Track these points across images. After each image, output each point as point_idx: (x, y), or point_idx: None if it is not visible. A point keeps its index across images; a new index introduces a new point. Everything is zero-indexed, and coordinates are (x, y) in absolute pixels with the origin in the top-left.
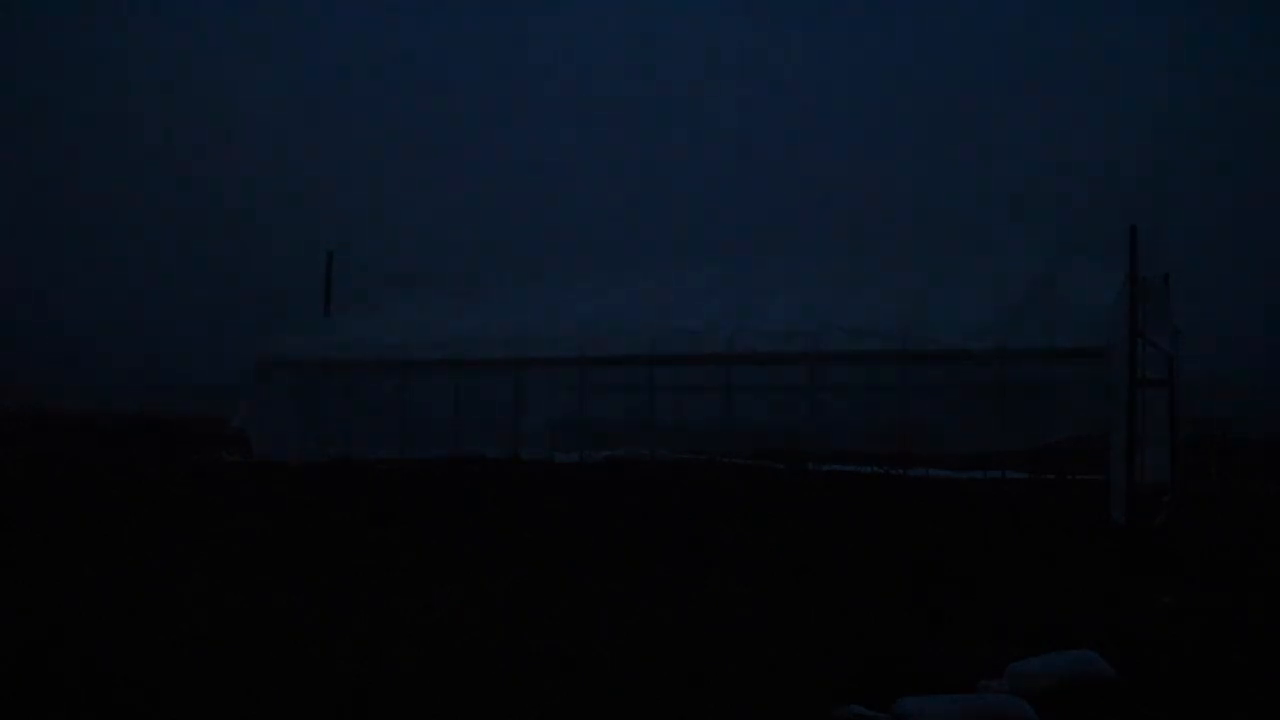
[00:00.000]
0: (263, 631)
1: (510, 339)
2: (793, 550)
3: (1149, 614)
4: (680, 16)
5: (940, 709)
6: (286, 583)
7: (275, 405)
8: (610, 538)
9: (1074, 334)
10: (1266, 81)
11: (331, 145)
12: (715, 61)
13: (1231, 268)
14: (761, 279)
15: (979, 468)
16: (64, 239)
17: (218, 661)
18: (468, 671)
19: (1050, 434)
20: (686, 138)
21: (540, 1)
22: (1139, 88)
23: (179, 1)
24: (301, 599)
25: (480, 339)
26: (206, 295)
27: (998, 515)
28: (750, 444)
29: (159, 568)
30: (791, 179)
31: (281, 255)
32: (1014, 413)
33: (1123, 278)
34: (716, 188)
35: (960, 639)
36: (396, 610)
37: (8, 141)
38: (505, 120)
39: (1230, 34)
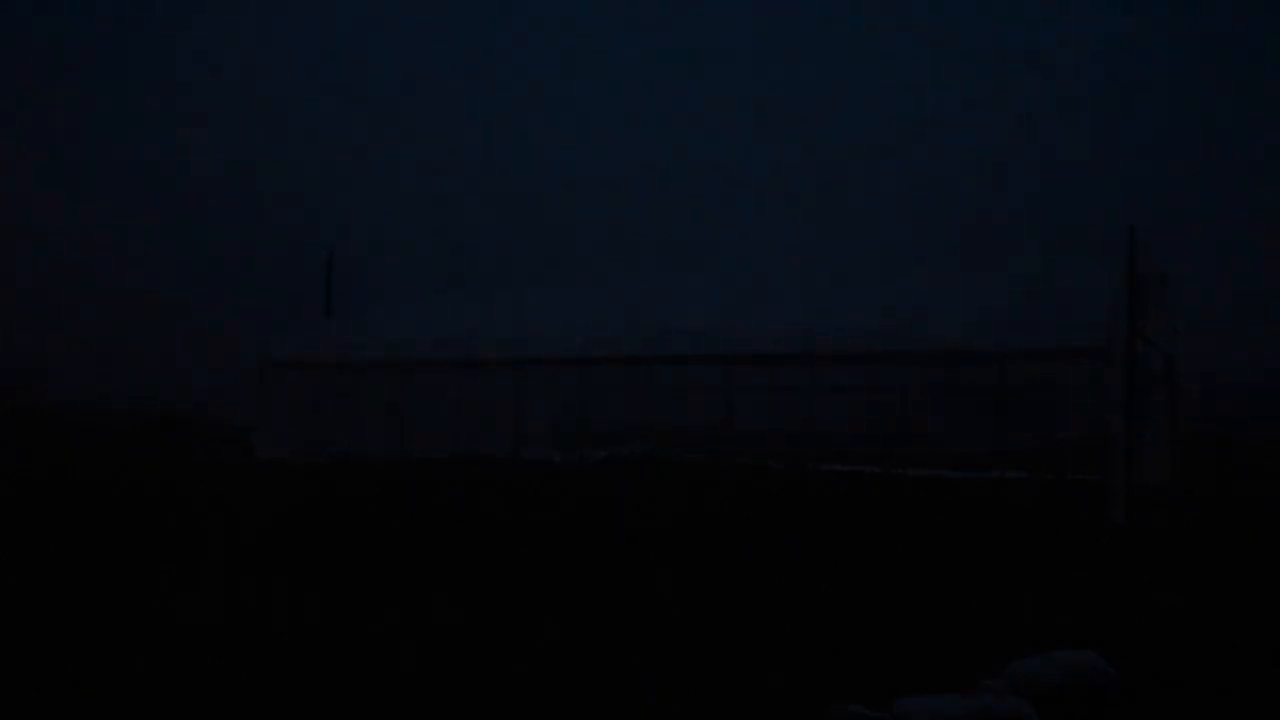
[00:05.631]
0: (265, 633)
1: (510, 339)
2: (792, 550)
3: (1149, 614)
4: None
5: (940, 709)
6: (288, 584)
7: (277, 405)
8: (611, 538)
9: (1073, 334)
10: (1267, 80)
11: (333, 147)
12: (705, 54)
13: (1231, 268)
14: (761, 279)
15: (978, 468)
16: (65, 237)
17: (218, 663)
18: (469, 671)
19: (1049, 434)
20: (685, 138)
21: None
22: (1139, 87)
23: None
24: (302, 601)
25: (480, 339)
26: (209, 295)
27: (997, 515)
28: (750, 444)
29: (157, 570)
30: (789, 180)
31: (284, 256)
32: (1013, 413)
33: (1121, 277)
34: (716, 187)
35: (960, 639)
36: (396, 611)
37: (9, 140)
38: (503, 122)
39: (1230, 33)
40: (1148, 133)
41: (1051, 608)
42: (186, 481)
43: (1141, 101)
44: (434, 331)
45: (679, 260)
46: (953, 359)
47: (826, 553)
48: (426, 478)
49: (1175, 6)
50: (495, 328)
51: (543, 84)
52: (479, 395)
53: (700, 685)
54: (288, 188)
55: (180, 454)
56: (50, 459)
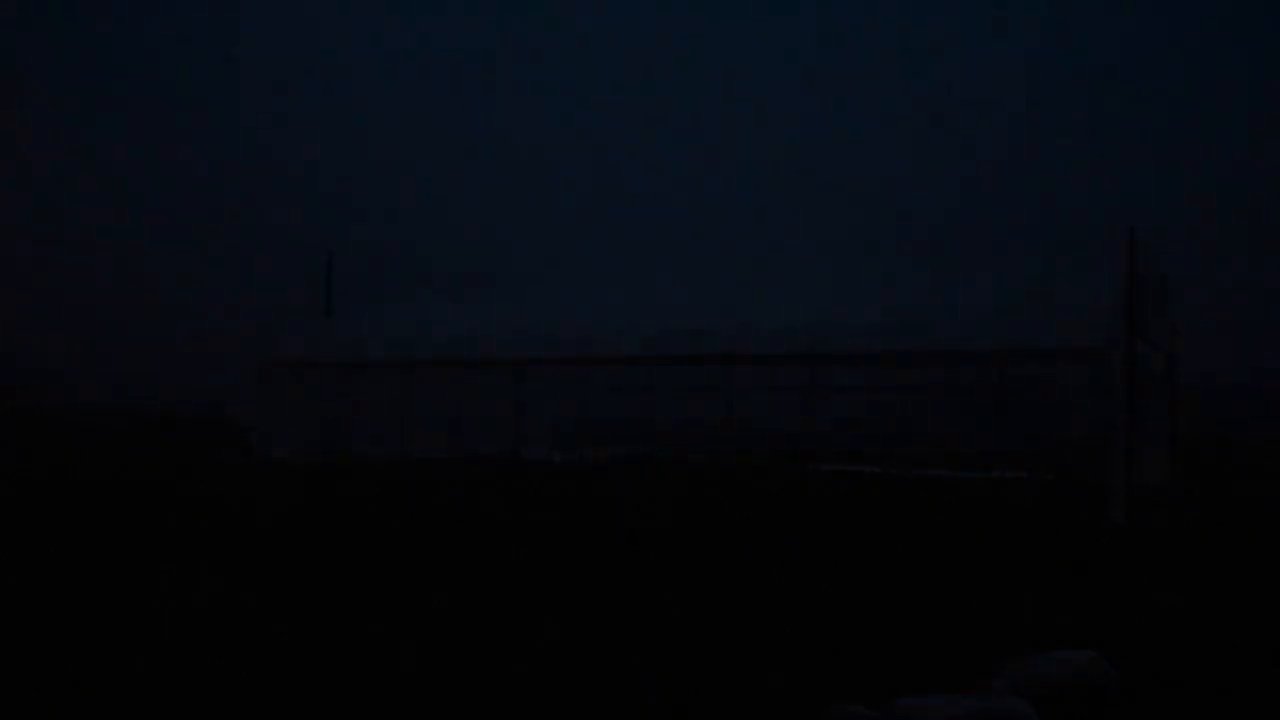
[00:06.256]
0: (265, 632)
1: (510, 339)
2: (792, 550)
3: (1149, 614)
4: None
5: (940, 709)
6: (288, 584)
7: (277, 405)
8: (611, 538)
9: (1073, 334)
10: (1267, 80)
11: (334, 147)
12: (707, 57)
13: (1231, 268)
14: (762, 280)
15: (978, 467)
16: (67, 237)
17: (219, 663)
18: (469, 671)
19: (1049, 434)
20: (684, 139)
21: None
22: (1138, 87)
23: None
24: (303, 600)
25: (480, 339)
26: (210, 296)
27: (997, 515)
28: (750, 444)
29: (157, 570)
30: (789, 181)
31: (284, 256)
32: (1013, 413)
33: (1121, 277)
34: (716, 188)
35: (960, 639)
36: (396, 611)
37: (9, 141)
38: (503, 123)
39: (1229, 32)
40: (1148, 133)
41: (1051, 608)
42: (187, 481)
43: (1142, 101)
44: (434, 331)
45: (680, 260)
46: (953, 359)
47: (827, 553)
48: (426, 478)
49: (1176, 7)
50: (495, 328)
51: (544, 84)
52: (479, 395)
53: (700, 685)
54: (288, 188)
55: (180, 454)
56: (50, 459)
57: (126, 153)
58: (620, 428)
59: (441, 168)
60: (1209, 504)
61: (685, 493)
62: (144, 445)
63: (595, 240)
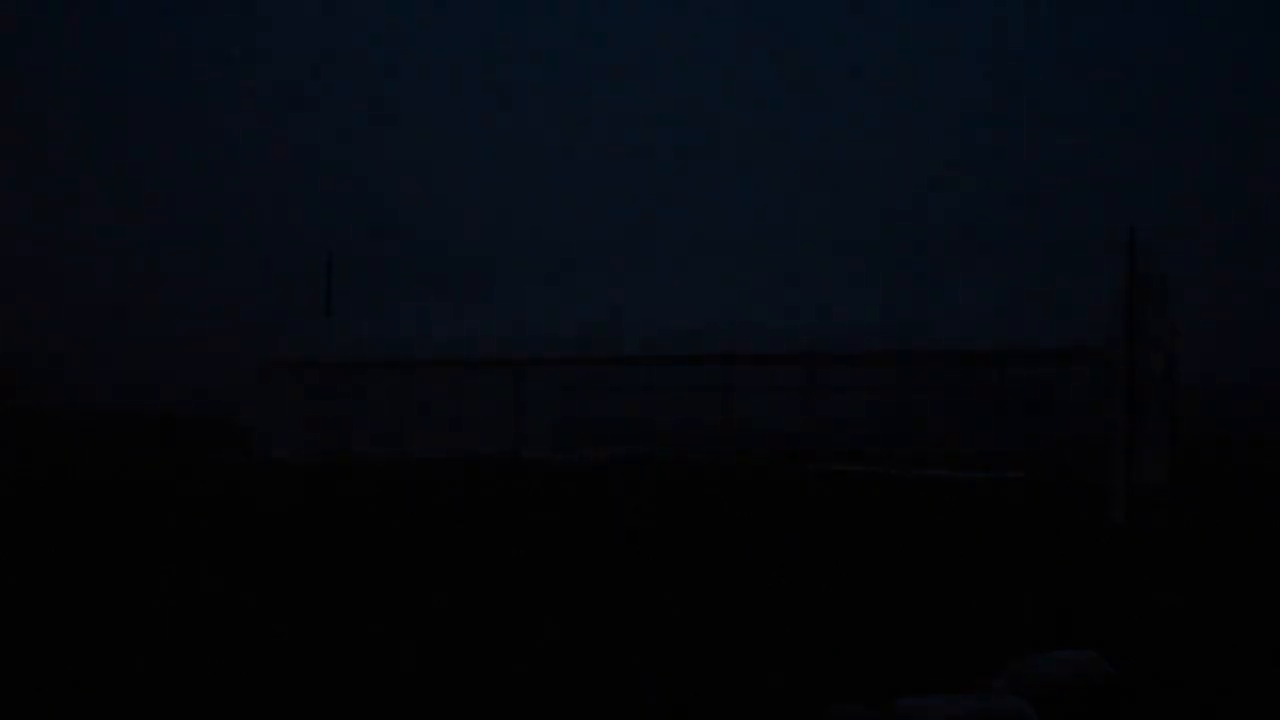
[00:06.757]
0: (265, 632)
1: (510, 339)
2: (792, 550)
3: (1149, 614)
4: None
5: (939, 709)
6: (288, 584)
7: (277, 405)
8: (611, 538)
9: (1072, 334)
10: (1267, 80)
11: (334, 145)
12: (708, 52)
13: (1231, 268)
14: (761, 279)
15: (977, 467)
16: (68, 237)
17: (219, 663)
18: (469, 671)
19: (1049, 434)
20: (684, 139)
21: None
22: (1138, 87)
23: None
24: (303, 600)
25: (480, 339)
26: (210, 295)
27: (997, 515)
28: (750, 444)
29: (157, 570)
30: (789, 180)
31: (283, 256)
32: (1013, 413)
33: (1121, 277)
34: (716, 188)
35: (960, 639)
36: (396, 611)
37: (8, 140)
38: (501, 120)
39: (1229, 32)
40: (1148, 133)
41: (1051, 608)
42: (186, 482)
43: (1142, 101)
44: (434, 331)
45: (678, 259)
46: (953, 359)
47: (826, 553)
48: (426, 478)
49: (1176, 6)
50: (495, 327)
51: (541, 81)
52: (479, 395)
53: (700, 685)
54: (289, 187)
55: (180, 454)
56: (50, 459)
57: (127, 151)
58: (620, 428)
59: (442, 167)
60: (1209, 504)
61: (685, 493)
62: (144, 445)
63: (595, 240)
